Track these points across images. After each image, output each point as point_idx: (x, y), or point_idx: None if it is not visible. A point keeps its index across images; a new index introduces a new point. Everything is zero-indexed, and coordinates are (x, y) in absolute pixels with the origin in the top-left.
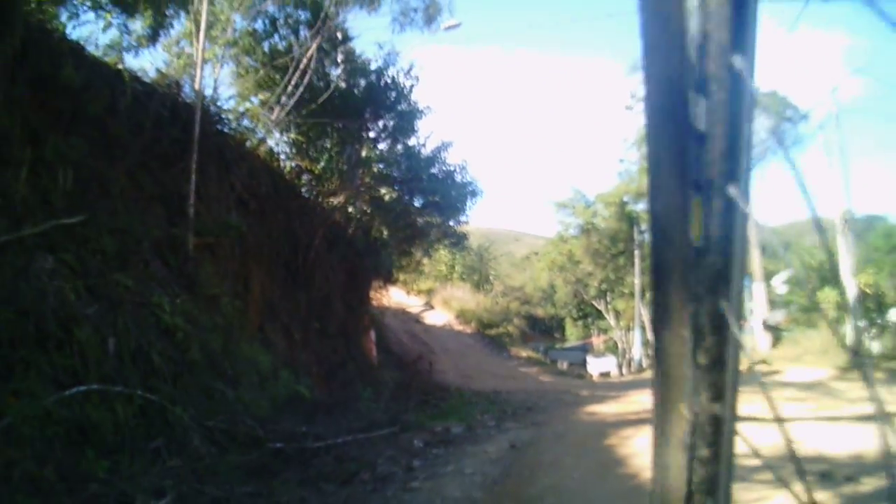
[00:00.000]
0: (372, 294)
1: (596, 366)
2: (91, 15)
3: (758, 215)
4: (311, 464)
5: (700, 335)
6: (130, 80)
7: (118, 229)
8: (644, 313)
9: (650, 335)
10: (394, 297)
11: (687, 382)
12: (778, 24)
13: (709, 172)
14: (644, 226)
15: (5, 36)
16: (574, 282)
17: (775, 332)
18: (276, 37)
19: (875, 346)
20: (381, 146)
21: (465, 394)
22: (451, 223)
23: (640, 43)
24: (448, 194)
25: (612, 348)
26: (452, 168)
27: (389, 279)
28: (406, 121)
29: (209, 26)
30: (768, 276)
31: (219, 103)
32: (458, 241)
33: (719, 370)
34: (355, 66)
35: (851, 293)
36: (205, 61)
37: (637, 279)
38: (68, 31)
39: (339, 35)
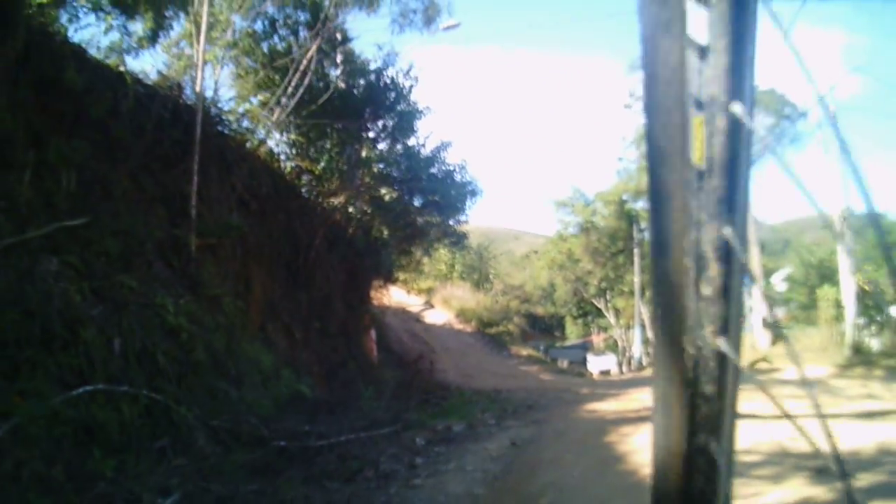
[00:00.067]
0: (372, 293)
1: (596, 364)
2: (92, 17)
3: (757, 213)
4: (315, 462)
5: (703, 264)
6: (132, 82)
7: (121, 231)
8: (644, 311)
9: (650, 333)
10: (394, 296)
11: (689, 315)
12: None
13: (711, 89)
14: (644, 224)
15: (8, 39)
16: (574, 280)
17: (775, 329)
18: (276, 38)
19: (875, 344)
20: (381, 146)
21: (465, 392)
22: (451, 222)
23: None
24: (448, 194)
25: (612, 346)
26: (452, 168)
27: (390, 278)
28: (406, 121)
29: (209, 28)
30: (768, 274)
31: (219, 105)
32: (457, 240)
33: (724, 301)
34: (355, 67)
35: (850, 291)
36: (205, 63)
37: (637, 277)
38: (70, 33)
39: (339, 36)
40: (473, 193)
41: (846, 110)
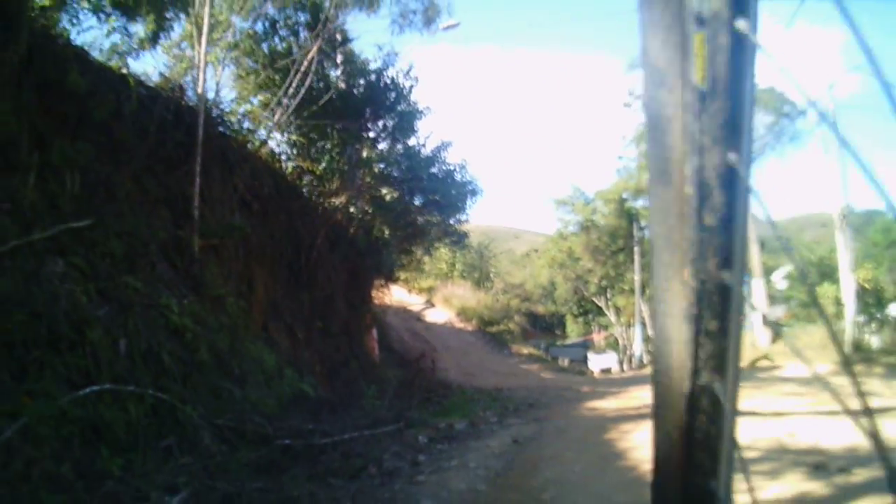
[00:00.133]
0: (374, 293)
1: (597, 362)
2: (93, 19)
3: (757, 211)
4: (319, 460)
5: (706, 192)
6: (135, 84)
7: (125, 232)
8: (644, 310)
9: (651, 331)
10: (395, 295)
11: (691, 246)
12: (776, 20)
13: (713, 4)
14: (644, 223)
15: (11, 42)
16: (574, 279)
17: (775, 327)
18: (276, 39)
19: (874, 341)
20: (382, 146)
21: (467, 391)
22: (452, 222)
23: None
24: (448, 193)
25: (613, 345)
26: (452, 167)
27: (391, 278)
28: (406, 121)
29: (210, 29)
30: (768, 272)
31: (221, 106)
32: (458, 239)
33: (728, 231)
34: (355, 68)
35: (850, 288)
36: (206, 64)
37: (637, 276)
38: (72, 36)
39: (339, 37)
40: (474, 193)
41: (845, 109)
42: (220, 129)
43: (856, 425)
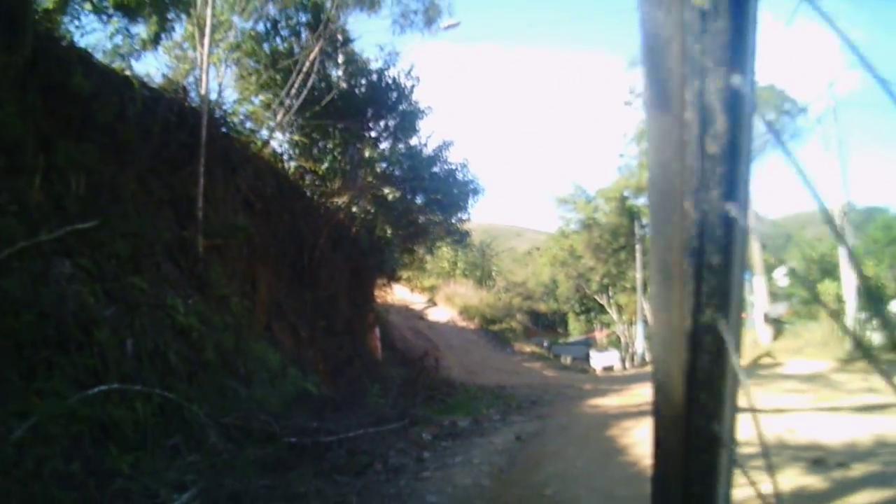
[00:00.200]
0: (376, 292)
1: (599, 360)
2: (95, 21)
3: (758, 208)
4: (325, 457)
5: (708, 117)
6: (139, 86)
7: (130, 233)
8: (646, 307)
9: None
10: (398, 294)
11: (692, 176)
12: (775, 18)
13: None
14: (645, 220)
15: (16, 46)
16: (576, 277)
17: (777, 324)
18: (278, 39)
19: (876, 338)
20: (383, 146)
21: (470, 389)
22: (453, 220)
23: None
24: (450, 192)
25: (615, 343)
26: (454, 166)
27: (393, 277)
28: (407, 121)
29: (212, 30)
30: (769, 269)
31: (224, 107)
32: (460, 238)
33: (732, 159)
34: (356, 68)
35: (851, 285)
36: (209, 65)
37: (638, 273)
38: (75, 38)
39: (340, 37)
40: (475, 192)
41: (845, 106)
42: (223, 129)
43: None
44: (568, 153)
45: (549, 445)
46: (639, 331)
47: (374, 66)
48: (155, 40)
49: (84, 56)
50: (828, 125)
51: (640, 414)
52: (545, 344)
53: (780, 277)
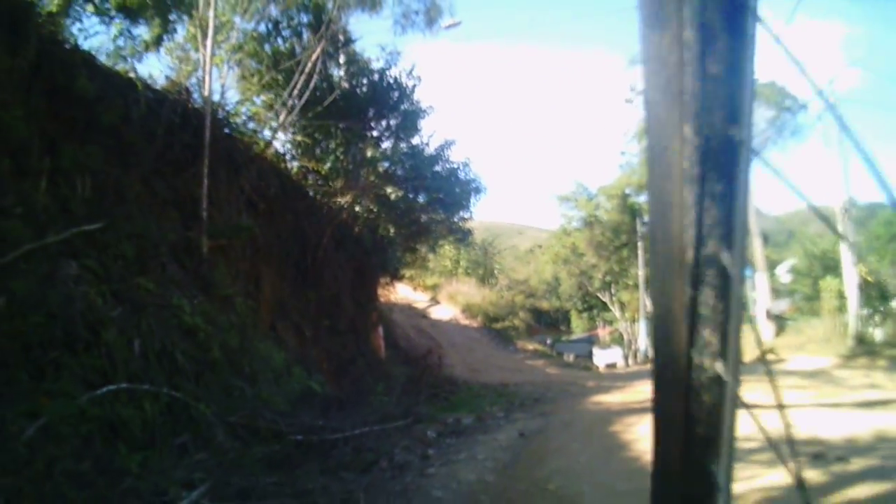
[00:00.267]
0: (379, 291)
1: (602, 357)
2: (97, 22)
3: (760, 204)
4: (331, 454)
5: (710, 35)
6: (143, 88)
7: (136, 234)
8: (649, 304)
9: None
10: (400, 293)
11: (693, 99)
12: (776, 14)
13: None
14: (647, 218)
15: (20, 49)
16: (578, 274)
17: (779, 321)
18: (280, 40)
19: (878, 334)
20: (385, 145)
21: (473, 387)
22: (456, 219)
23: None
24: (452, 191)
25: (618, 340)
26: (456, 165)
27: (396, 276)
28: (409, 120)
29: (214, 31)
30: (772, 266)
31: (227, 108)
32: (462, 236)
33: (735, 80)
34: (358, 68)
35: (853, 282)
36: (211, 66)
37: (641, 270)
38: (78, 41)
39: (342, 37)
40: (477, 190)
41: (845, 103)
42: (227, 131)
43: None
44: (569, 151)
45: (553, 442)
46: (641, 328)
47: (375, 66)
48: (157, 42)
49: (88, 59)
50: (828, 122)
51: (643, 410)
52: (548, 342)
53: (783, 274)
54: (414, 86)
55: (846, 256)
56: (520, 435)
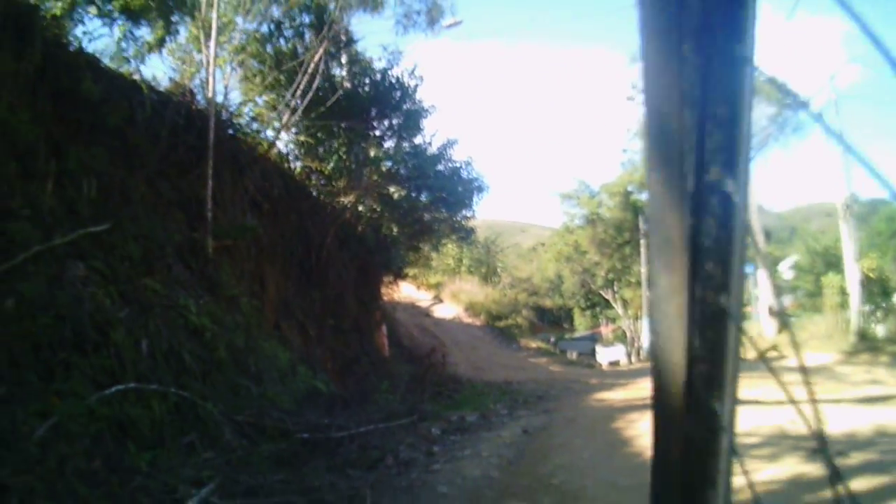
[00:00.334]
0: (383, 290)
1: (605, 355)
2: (100, 25)
3: (762, 201)
4: (337, 452)
5: None
6: (147, 90)
7: (142, 235)
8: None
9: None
10: (404, 291)
11: (693, 14)
12: (776, 11)
13: None
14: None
15: (26, 53)
16: (581, 272)
17: (781, 317)
18: (282, 41)
19: (880, 330)
20: (388, 144)
21: (477, 385)
22: (458, 218)
23: None
24: (455, 190)
25: (621, 337)
26: (458, 164)
27: (399, 275)
28: (412, 120)
29: (217, 32)
30: (775, 262)
31: (230, 109)
32: (465, 235)
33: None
34: (360, 68)
35: (855, 278)
36: (215, 68)
37: (643, 268)
38: (84, 43)
39: (344, 38)
40: (480, 189)
41: (846, 99)
42: (231, 131)
43: None
44: (571, 149)
45: (556, 438)
46: (644, 325)
47: (377, 65)
48: (160, 43)
49: (92, 61)
50: (829, 118)
51: (646, 407)
52: (551, 340)
53: (785, 270)
54: (416, 85)
55: (848, 252)
56: (523, 432)
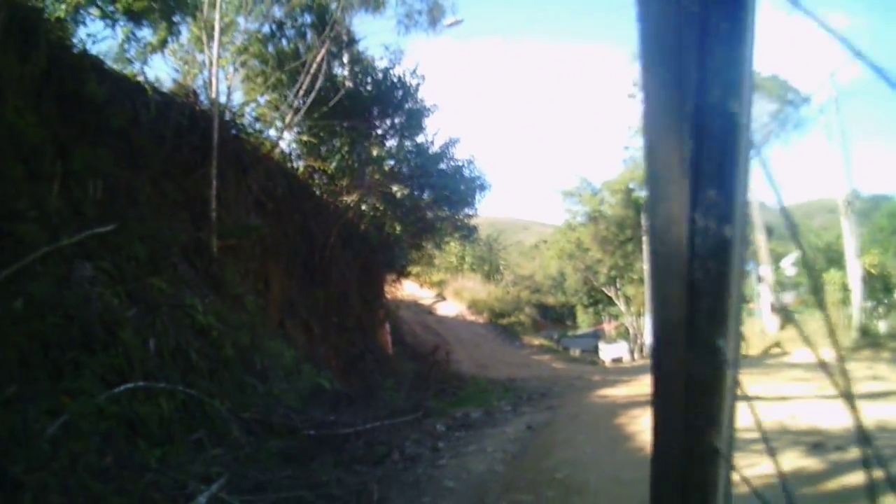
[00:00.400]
0: (386, 288)
1: (608, 352)
2: (103, 27)
3: (763, 198)
4: (344, 448)
5: None
6: (151, 91)
7: (147, 236)
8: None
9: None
10: (407, 289)
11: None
12: (776, 7)
13: None
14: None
15: (31, 55)
16: (583, 269)
17: (784, 314)
18: (284, 41)
19: (882, 326)
20: (390, 143)
21: (480, 382)
22: (461, 216)
23: None
24: (457, 188)
25: (624, 334)
26: (460, 163)
27: (402, 273)
28: (413, 119)
29: (219, 33)
30: (776, 259)
31: (233, 109)
32: (467, 233)
33: None
34: (362, 67)
35: (857, 274)
36: (218, 69)
37: (646, 265)
38: (88, 45)
39: (346, 37)
40: (482, 187)
41: (848, 95)
42: (234, 132)
43: None
44: (573, 146)
45: (559, 434)
46: (647, 322)
47: (379, 65)
48: (162, 45)
49: (96, 63)
50: (831, 115)
51: (647, 403)
52: (554, 337)
53: (787, 266)
54: (418, 84)
55: (849, 249)
56: (527, 428)
